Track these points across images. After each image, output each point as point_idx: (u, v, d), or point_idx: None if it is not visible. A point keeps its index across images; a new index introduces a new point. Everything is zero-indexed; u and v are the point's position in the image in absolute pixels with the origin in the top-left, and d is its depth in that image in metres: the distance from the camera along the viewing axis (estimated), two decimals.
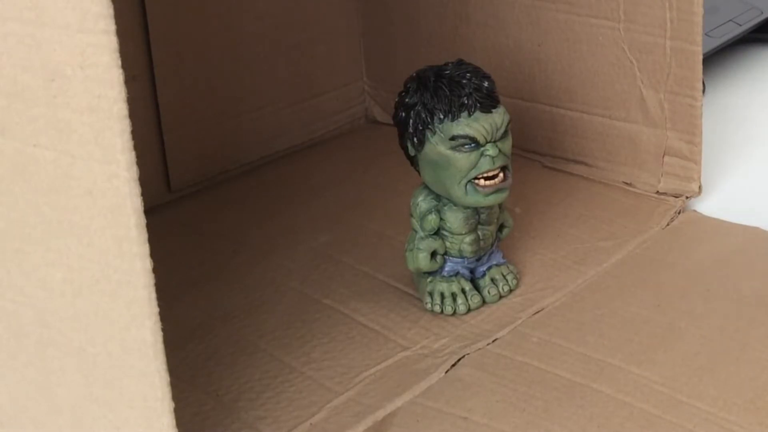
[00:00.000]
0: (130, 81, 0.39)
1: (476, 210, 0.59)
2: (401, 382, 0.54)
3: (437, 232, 0.60)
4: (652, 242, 0.66)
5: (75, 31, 0.38)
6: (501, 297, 0.61)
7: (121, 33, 0.38)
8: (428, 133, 0.57)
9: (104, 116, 0.39)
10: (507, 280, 0.61)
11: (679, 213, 0.69)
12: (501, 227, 0.62)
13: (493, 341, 0.57)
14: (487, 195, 0.57)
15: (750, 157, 0.77)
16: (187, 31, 0.75)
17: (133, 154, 0.39)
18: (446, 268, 0.60)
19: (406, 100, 0.58)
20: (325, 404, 0.53)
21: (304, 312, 0.61)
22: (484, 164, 0.57)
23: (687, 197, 0.70)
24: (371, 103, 0.87)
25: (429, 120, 0.57)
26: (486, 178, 0.57)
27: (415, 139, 0.58)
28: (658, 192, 0.71)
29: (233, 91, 0.78)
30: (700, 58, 0.67)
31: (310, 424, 0.51)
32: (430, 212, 0.59)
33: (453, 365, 0.55)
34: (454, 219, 0.59)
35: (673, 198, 0.70)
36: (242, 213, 0.74)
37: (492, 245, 0.61)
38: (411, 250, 0.60)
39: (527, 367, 0.54)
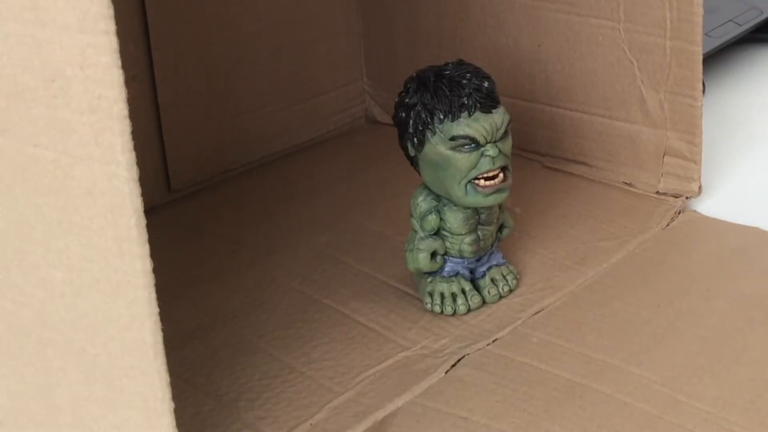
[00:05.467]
0: (130, 81, 0.39)
1: (476, 210, 0.59)
2: (401, 382, 0.54)
3: (437, 233, 0.60)
4: (652, 242, 0.66)
5: (75, 32, 0.38)
6: (501, 297, 0.61)
7: (122, 33, 0.38)
8: (428, 134, 0.57)
9: (104, 116, 0.39)
10: (507, 281, 0.61)
11: (679, 213, 0.69)
12: (501, 227, 0.62)
13: (493, 341, 0.57)
14: (487, 195, 0.57)
15: (750, 157, 0.77)
16: (187, 31, 0.75)
17: (133, 154, 0.39)
18: (446, 269, 0.60)
19: (406, 100, 0.58)
20: (325, 404, 0.53)
21: (304, 312, 0.61)
22: (484, 164, 0.57)
23: (687, 197, 0.70)
24: (371, 103, 0.87)
25: (429, 120, 0.57)
26: (486, 179, 0.57)
27: (415, 140, 0.58)
28: (658, 192, 0.71)
29: (233, 91, 0.78)
30: (700, 58, 0.67)
31: (310, 424, 0.51)
32: (430, 212, 0.59)
33: (453, 365, 0.55)
34: (454, 219, 0.59)
35: (673, 198, 0.70)
36: (242, 213, 0.74)
37: (492, 245, 0.61)
38: (411, 250, 0.60)
39: (527, 368, 0.54)
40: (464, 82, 0.57)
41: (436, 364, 0.55)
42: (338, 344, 0.58)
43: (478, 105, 0.57)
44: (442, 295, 0.60)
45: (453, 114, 0.57)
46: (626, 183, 0.72)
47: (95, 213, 0.41)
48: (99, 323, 0.42)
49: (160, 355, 0.42)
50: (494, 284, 0.61)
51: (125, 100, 0.39)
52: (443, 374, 0.55)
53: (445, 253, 0.60)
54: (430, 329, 0.59)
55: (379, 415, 0.52)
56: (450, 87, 0.57)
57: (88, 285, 0.42)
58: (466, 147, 0.57)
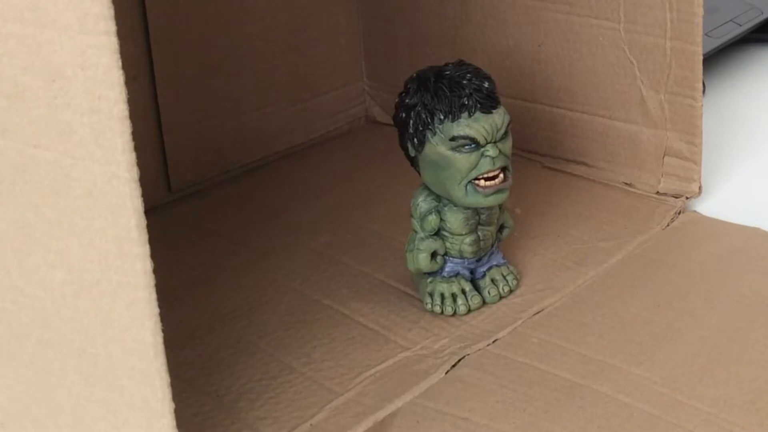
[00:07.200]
0: (130, 81, 0.39)
1: (476, 211, 0.59)
2: (401, 382, 0.54)
3: (437, 233, 0.60)
4: (653, 242, 0.66)
5: (76, 33, 0.38)
6: (501, 297, 0.61)
7: (122, 34, 0.38)
8: (428, 134, 0.57)
9: (105, 117, 0.39)
10: (507, 281, 0.61)
11: (679, 213, 0.69)
12: (501, 228, 0.62)
13: (494, 342, 0.57)
14: (488, 196, 0.57)
15: (750, 157, 0.77)
16: (187, 31, 0.75)
17: (133, 155, 0.39)
18: (446, 269, 0.60)
19: (407, 100, 0.58)
20: (326, 405, 0.53)
21: (304, 312, 0.61)
22: (485, 165, 0.57)
23: (687, 198, 0.70)
24: (371, 103, 0.87)
25: (429, 120, 0.57)
26: (486, 179, 0.57)
27: (415, 140, 0.58)
28: (658, 192, 0.71)
29: (233, 91, 0.78)
30: (700, 58, 0.67)
31: (310, 424, 0.52)
32: (431, 213, 0.59)
33: (453, 366, 0.55)
34: (455, 219, 0.59)
35: (673, 198, 0.70)
36: (242, 213, 0.74)
37: (492, 246, 0.61)
38: (411, 250, 0.60)
39: (527, 368, 0.54)
40: (464, 82, 0.57)
41: (436, 365, 0.55)
42: (338, 344, 0.58)
43: (479, 105, 0.57)
44: (442, 296, 0.60)
45: (453, 114, 0.57)
46: (626, 183, 0.72)
47: (95, 214, 0.41)
48: (99, 324, 0.43)
49: (160, 356, 0.42)
50: (494, 284, 0.61)
51: (125, 100, 0.39)
52: (443, 375, 0.55)
53: (446, 254, 0.60)
54: (430, 329, 0.59)
55: (379, 415, 0.52)
56: (450, 87, 0.57)
57: (88, 286, 0.42)
58: (467, 147, 0.57)
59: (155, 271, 0.41)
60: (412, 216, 0.60)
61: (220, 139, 0.78)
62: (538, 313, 0.59)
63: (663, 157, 0.70)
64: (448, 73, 0.58)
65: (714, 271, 0.62)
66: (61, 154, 0.40)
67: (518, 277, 0.62)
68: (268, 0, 0.79)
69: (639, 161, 0.72)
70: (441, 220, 0.59)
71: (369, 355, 0.57)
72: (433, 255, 0.60)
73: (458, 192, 0.57)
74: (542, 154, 0.76)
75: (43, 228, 0.42)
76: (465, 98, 0.56)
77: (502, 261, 0.62)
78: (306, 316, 0.60)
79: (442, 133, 0.57)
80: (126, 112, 0.39)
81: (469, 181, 0.57)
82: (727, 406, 0.50)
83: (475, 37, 0.78)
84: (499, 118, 0.57)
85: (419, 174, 0.59)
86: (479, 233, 0.60)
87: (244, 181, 0.78)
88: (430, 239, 0.59)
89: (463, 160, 0.57)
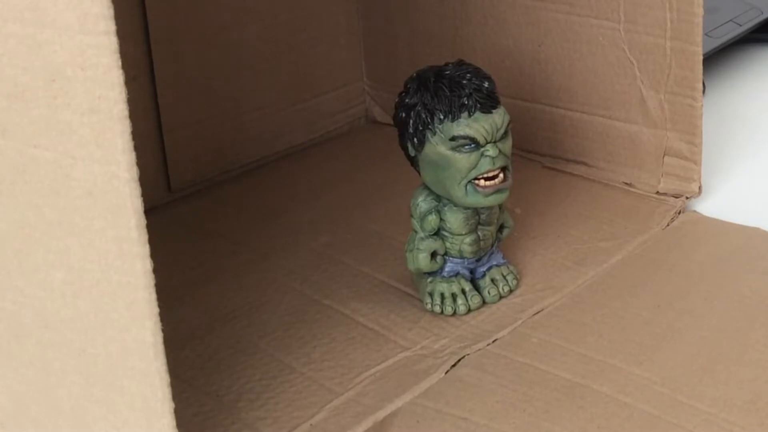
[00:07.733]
0: (130, 81, 0.39)
1: (476, 210, 0.59)
2: (401, 382, 0.54)
3: (437, 233, 0.60)
4: (653, 242, 0.66)
5: (75, 33, 0.38)
6: (501, 297, 0.61)
7: (122, 34, 0.38)
8: (428, 134, 0.57)
9: (105, 117, 0.39)
10: (507, 281, 0.61)
11: (679, 213, 0.69)
12: (501, 228, 0.62)
13: (493, 342, 0.57)
14: (488, 195, 0.57)
15: (750, 157, 0.77)
16: (187, 31, 0.75)
17: (133, 155, 0.39)
18: (446, 269, 0.60)
19: (407, 100, 0.58)
20: (325, 405, 0.53)
21: (304, 312, 0.61)
22: (484, 165, 0.57)
23: (687, 197, 0.70)
24: (371, 103, 0.87)
25: (429, 120, 0.57)
26: (486, 179, 0.57)
27: (415, 140, 0.58)
28: (658, 192, 0.71)
29: (233, 91, 0.78)
30: (701, 58, 0.67)
31: (310, 424, 0.52)
32: (431, 213, 0.59)
33: (453, 366, 0.55)
34: (455, 219, 0.59)
35: (673, 198, 0.70)
36: (242, 213, 0.74)
37: (492, 246, 0.61)
38: (411, 250, 0.60)
39: (527, 368, 0.54)
40: (464, 82, 0.57)
41: (436, 365, 0.55)
42: (338, 344, 0.58)
43: (478, 105, 0.57)
44: (442, 296, 0.60)
45: (453, 114, 0.57)
46: (626, 183, 0.72)
47: (95, 214, 0.41)
48: (99, 324, 0.43)
49: (160, 356, 0.42)
50: (494, 284, 0.61)
51: (125, 100, 0.39)
52: (443, 374, 0.55)
53: (446, 254, 0.60)
54: (430, 329, 0.59)
55: (379, 415, 0.52)
56: (450, 87, 0.57)
57: (88, 286, 0.42)
58: (466, 147, 0.57)
59: (155, 271, 0.41)
60: (412, 216, 0.60)
61: (220, 139, 0.78)
62: (538, 313, 0.59)
63: (663, 157, 0.70)
64: (448, 73, 0.58)
65: (714, 271, 0.62)
66: (61, 154, 0.40)
67: (518, 277, 0.62)
68: (268, 0, 0.79)
69: (639, 161, 0.72)
70: (441, 220, 0.59)
71: (369, 355, 0.57)
72: (433, 255, 0.60)
73: (458, 192, 0.57)
74: (542, 154, 0.76)
75: (43, 228, 0.42)
76: (465, 98, 0.56)
77: (502, 261, 0.62)
78: (306, 316, 0.60)
79: (442, 132, 0.57)
80: (126, 112, 0.39)
81: (469, 181, 0.57)
82: (727, 406, 0.50)
83: (475, 37, 0.78)
84: (499, 118, 0.57)
85: (419, 174, 0.59)
86: (479, 233, 0.60)
87: (244, 181, 0.78)
88: (430, 239, 0.59)
89: (463, 160, 0.57)
